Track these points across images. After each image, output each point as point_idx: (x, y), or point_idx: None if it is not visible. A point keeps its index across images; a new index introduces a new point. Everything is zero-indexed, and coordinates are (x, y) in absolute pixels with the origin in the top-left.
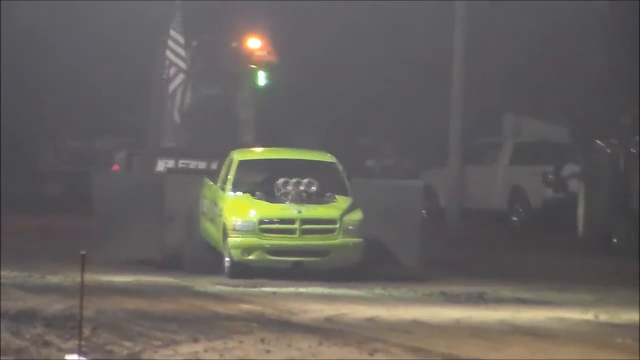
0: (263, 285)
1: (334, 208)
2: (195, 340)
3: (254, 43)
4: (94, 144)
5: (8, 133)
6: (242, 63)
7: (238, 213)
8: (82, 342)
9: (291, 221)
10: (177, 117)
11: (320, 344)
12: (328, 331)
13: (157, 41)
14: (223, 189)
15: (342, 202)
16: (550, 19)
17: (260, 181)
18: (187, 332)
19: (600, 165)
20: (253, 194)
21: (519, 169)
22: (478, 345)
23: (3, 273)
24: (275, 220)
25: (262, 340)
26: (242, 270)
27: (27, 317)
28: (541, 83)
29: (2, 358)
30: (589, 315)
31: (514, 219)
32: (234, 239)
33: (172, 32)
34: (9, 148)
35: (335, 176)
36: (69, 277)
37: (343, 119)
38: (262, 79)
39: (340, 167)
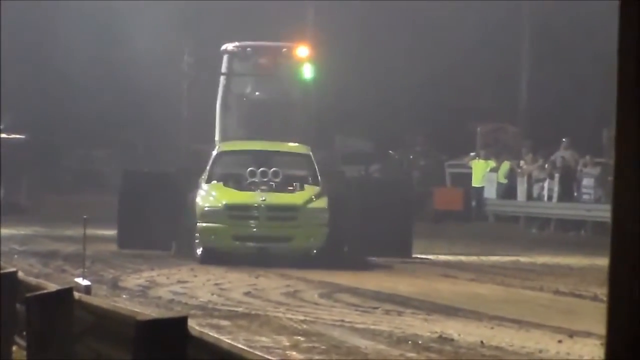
0: None
1: (298, 196)
2: (152, 270)
3: (302, 51)
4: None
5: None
6: (291, 63)
7: (207, 200)
8: (85, 270)
9: (255, 208)
10: (233, 117)
11: (226, 271)
12: (231, 264)
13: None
14: (203, 179)
15: (308, 190)
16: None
17: (234, 171)
18: (147, 265)
19: (393, 165)
20: (225, 183)
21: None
22: (323, 273)
23: (37, 228)
24: (241, 206)
25: (192, 269)
26: (212, 256)
27: (52, 255)
28: (357, 111)
29: (38, 280)
30: None
31: None
32: (202, 225)
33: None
34: (44, 150)
35: (308, 167)
36: (77, 231)
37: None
38: (308, 72)
39: (313, 159)
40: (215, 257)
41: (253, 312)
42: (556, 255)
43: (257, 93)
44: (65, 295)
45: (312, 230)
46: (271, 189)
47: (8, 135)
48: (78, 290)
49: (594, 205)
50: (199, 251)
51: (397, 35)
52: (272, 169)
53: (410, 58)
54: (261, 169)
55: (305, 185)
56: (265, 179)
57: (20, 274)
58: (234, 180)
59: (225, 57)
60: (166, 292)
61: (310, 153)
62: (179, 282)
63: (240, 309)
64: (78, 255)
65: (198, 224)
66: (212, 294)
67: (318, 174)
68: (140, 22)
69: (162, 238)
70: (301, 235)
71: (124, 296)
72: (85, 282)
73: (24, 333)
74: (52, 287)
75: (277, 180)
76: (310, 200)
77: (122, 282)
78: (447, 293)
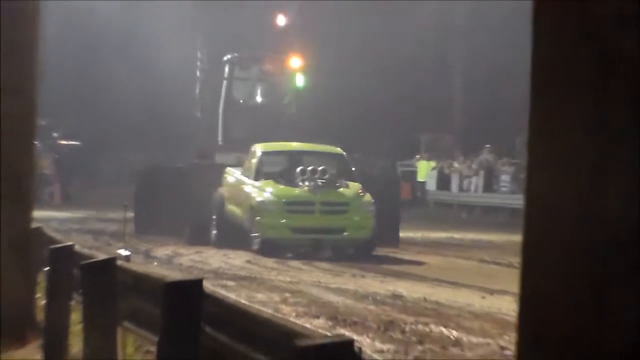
0: None
1: (347, 191)
2: (177, 244)
3: (295, 62)
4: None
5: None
6: (285, 71)
7: (264, 197)
8: (125, 244)
9: (311, 203)
10: (228, 119)
11: (225, 255)
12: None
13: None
14: (248, 177)
15: (353, 187)
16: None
17: (281, 170)
18: (173, 240)
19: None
20: (276, 181)
21: None
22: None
23: (89, 213)
24: (298, 202)
25: (206, 244)
26: (270, 247)
27: (100, 232)
28: (327, 119)
29: (90, 250)
30: None
31: None
32: (262, 219)
33: (232, 56)
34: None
35: (344, 165)
36: (118, 214)
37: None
38: (300, 81)
39: (347, 158)
40: (273, 248)
41: (252, 276)
42: (481, 233)
43: (253, 99)
44: (110, 263)
45: (362, 222)
46: (320, 186)
47: (67, 141)
48: (120, 259)
49: (510, 196)
50: (257, 242)
51: (360, 55)
52: (320, 167)
53: (371, 78)
54: (310, 167)
55: (348, 182)
56: (315, 176)
57: (77, 247)
58: (285, 178)
59: (227, 66)
60: (187, 260)
61: (344, 153)
62: (197, 252)
63: (242, 273)
64: (119, 232)
65: (257, 218)
66: (221, 262)
67: (353, 172)
68: (162, 36)
69: (175, 226)
70: (353, 227)
71: (155, 263)
72: (126, 253)
73: (80, 291)
74: (101, 256)
75: (326, 177)
76: (358, 195)
77: (153, 253)
78: (399, 261)
